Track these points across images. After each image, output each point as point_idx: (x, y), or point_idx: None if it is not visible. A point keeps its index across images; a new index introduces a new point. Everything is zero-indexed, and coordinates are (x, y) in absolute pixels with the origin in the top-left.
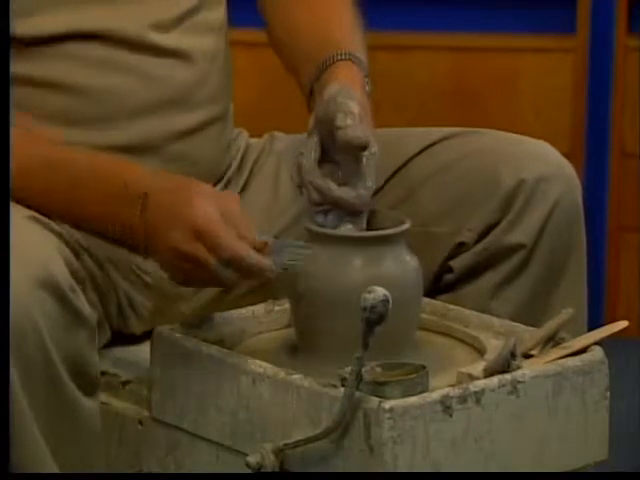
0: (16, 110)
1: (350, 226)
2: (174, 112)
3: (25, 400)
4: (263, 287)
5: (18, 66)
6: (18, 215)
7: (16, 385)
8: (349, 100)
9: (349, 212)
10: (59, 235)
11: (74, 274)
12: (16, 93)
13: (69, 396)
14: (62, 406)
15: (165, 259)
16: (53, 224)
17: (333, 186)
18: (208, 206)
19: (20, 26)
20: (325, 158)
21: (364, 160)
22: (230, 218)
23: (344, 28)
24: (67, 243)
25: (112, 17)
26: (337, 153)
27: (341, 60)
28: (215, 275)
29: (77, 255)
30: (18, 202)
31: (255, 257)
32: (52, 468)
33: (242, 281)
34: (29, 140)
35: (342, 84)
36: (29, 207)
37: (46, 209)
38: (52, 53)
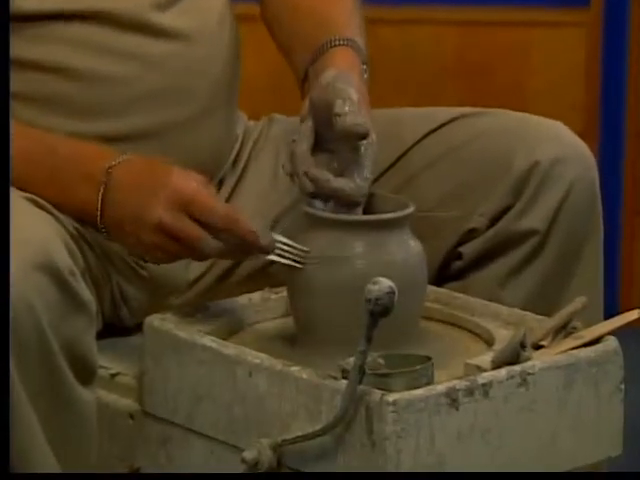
0: (18, 96)
1: None
2: (174, 99)
3: (22, 387)
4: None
5: (18, 49)
6: (16, 196)
7: (12, 371)
8: (348, 86)
9: (345, 204)
10: (59, 221)
11: (73, 259)
12: (18, 78)
13: (66, 384)
14: (59, 394)
15: (142, 239)
16: (54, 210)
17: (330, 177)
18: (189, 176)
19: (27, 2)
20: (318, 146)
21: (362, 149)
22: (211, 191)
23: (344, 11)
24: (66, 228)
25: None
26: (333, 142)
27: (339, 45)
28: (199, 248)
29: (78, 245)
30: None
31: (250, 223)
32: (49, 457)
33: (228, 251)
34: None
35: (340, 70)
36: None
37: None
38: (51, 35)
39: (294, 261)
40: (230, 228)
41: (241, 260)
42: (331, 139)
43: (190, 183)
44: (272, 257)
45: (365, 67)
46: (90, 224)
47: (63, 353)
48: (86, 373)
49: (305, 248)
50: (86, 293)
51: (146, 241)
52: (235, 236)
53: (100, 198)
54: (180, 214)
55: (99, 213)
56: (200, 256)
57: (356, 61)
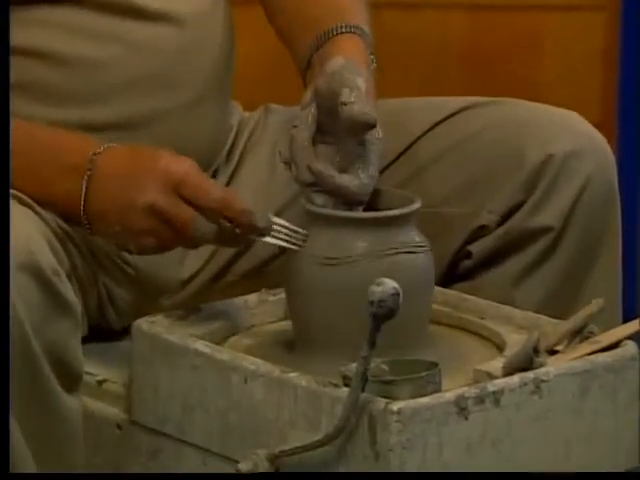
0: None
1: None
2: (163, 86)
3: None
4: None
5: None
6: None
7: None
8: (357, 76)
9: (347, 202)
10: (43, 218)
11: (57, 259)
12: None
13: (49, 390)
14: (41, 401)
15: (130, 226)
16: (37, 207)
17: (335, 173)
18: (179, 158)
19: None
20: (320, 138)
21: (367, 145)
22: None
23: None
24: (50, 226)
25: None
26: (336, 134)
27: (346, 33)
28: (192, 231)
29: (62, 243)
30: None
31: (246, 204)
32: (30, 466)
33: (222, 235)
34: None
35: (348, 58)
36: None
37: None
38: (34, 19)
39: (292, 244)
40: (225, 209)
41: (235, 246)
42: (334, 131)
43: (181, 164)
44: (268, 239)
45: (372, 57)
46: (73, 217)
47: (46, 357)
48: (71, 379)
49: (303, 231)
50: (71, 294)
51: (135, 228)
52: (230, 217)
53: (84, 187)
54: (173, 196)
55: (82, 203)
56: (192, 241)
57: (363, 50)
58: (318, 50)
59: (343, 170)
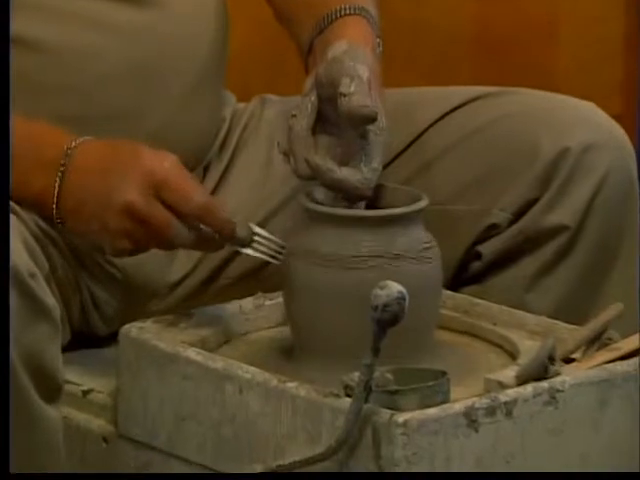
0: None
1: None
2: (152, 76)
3: None
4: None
5: None
6: None
7: None
8: (358, 63)
9: (348, 197)
10: (20, 218)
11: (34, 260)
12: None
13: (27, 400)
14: (18, 411)
15: (107, 225)
16: (15, 206)
17: (334, 166)
18: (161, 156)
19: None
20: (321, 128)
21: (371, 136)
22: (185, 173)
23: None
24: (30, 229)
25: None
26: (338, 125)
27: (351, 14)
28: (169, 237)
29: (41, 244)
30: None
31: (227, 213)
32: None
33: (200, 242)
34: None
35: (351, 43)
36: None
37: None
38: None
39: (271, 256)
40: (205, 217)
41: (213, 251)
42: (335, 122)
43: (163, 164)
44: (248, 251)
45: (379, 41)
46: (47, 215)
47: (23, 365)
48: (50, 388)
49: (282, 242)
50: (49, 297)
51: (109, 228)
52: (210, 226)
53: (57, 183)
54: (151, 198)
55: (55, 200)
56: (168, 246)
57: (369, 33)
58: (320, 33)
59: (345, 163)
